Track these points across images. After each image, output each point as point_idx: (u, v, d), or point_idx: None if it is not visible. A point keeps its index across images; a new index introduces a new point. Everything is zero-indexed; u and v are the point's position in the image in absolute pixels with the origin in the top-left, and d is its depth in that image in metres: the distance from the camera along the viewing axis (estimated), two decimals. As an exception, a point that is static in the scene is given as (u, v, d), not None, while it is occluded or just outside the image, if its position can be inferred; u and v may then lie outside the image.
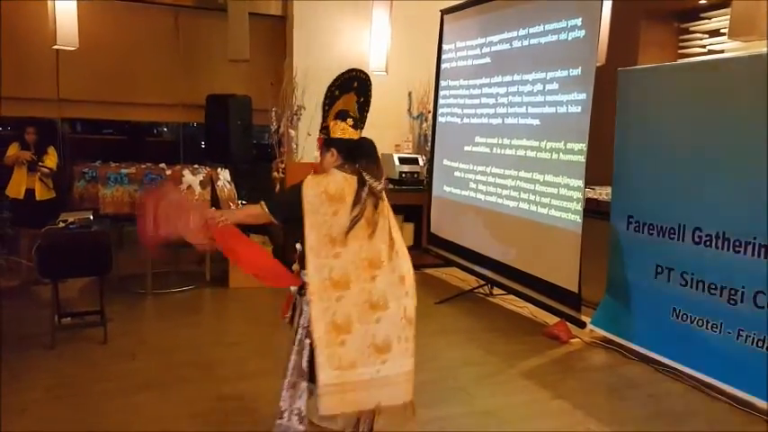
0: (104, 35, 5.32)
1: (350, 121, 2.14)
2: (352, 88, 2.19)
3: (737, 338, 3.02)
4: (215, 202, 4.46)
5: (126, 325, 3.72)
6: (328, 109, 2.17)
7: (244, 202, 5.00)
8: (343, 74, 2.20)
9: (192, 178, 4.34)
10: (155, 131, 6.80)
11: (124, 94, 5.54)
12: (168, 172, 4.32)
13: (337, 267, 2.02)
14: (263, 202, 2.11)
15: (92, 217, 3.66)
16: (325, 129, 2.16)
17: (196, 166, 4.63)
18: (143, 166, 4.40)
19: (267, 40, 5.83)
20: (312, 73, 5.25)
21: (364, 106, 2.24)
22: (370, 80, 2.25)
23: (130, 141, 6.53)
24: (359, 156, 2.12)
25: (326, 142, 2.14)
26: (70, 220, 3.48)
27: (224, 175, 4.67)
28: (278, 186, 5.18)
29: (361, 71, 2.22)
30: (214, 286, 4.73)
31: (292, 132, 5.28)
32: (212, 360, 3.25)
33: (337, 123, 2.13)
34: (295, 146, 5.32)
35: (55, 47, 4.95)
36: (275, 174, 5.18)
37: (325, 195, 2.03)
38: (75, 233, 3.40)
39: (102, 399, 2.73)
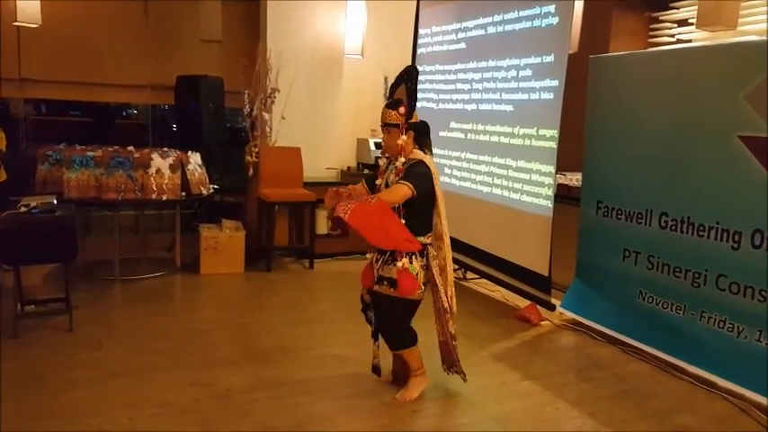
0: (68, 11, 5.11)
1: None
2: (402, 80, 2.60)
3: (700, 320, 3.13)
4: (185, 186, 4.37)
5: (93, 312, 3.63)
6: (414, 100, 2.56)
7: (216, 186, 4.91)
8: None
9: (161, 162, 4.22)
10: (124, 113, 6.57)
11: (90, 74, 5.35)
12: (136, 155, 4.20)
13: (445, 224, 2.65)
14: (403, 182, 2.47)
15: (55, 201, 3.54)
16: (406, 116, 2.55)
17: (165, 149, 4.50)
18: (110, 149, 4.26)
19: (241, 21, 5.69)
20: (287, 55, 5.16)
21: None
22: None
23: (99, 123, 6.31)
24: (424, 137, 2.67)
25: (408, 127, 2.57)
26: (33, 204, 3.35)
27: (195, 158, 4.55)
28: (251, 171, 5.10)
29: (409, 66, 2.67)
30: (185, 273, 4.64)
31: (266, 115, 5.19)
32: (182, 347, 3.21)
33: None
34: (269, 129, 5.23)
35: (15, 23, 4.74)
36: (248, 158, 5.08)
37: (436, 170, 2.59)
38: (38, 218, 3.28)
39: (69, 388, 2.67)
